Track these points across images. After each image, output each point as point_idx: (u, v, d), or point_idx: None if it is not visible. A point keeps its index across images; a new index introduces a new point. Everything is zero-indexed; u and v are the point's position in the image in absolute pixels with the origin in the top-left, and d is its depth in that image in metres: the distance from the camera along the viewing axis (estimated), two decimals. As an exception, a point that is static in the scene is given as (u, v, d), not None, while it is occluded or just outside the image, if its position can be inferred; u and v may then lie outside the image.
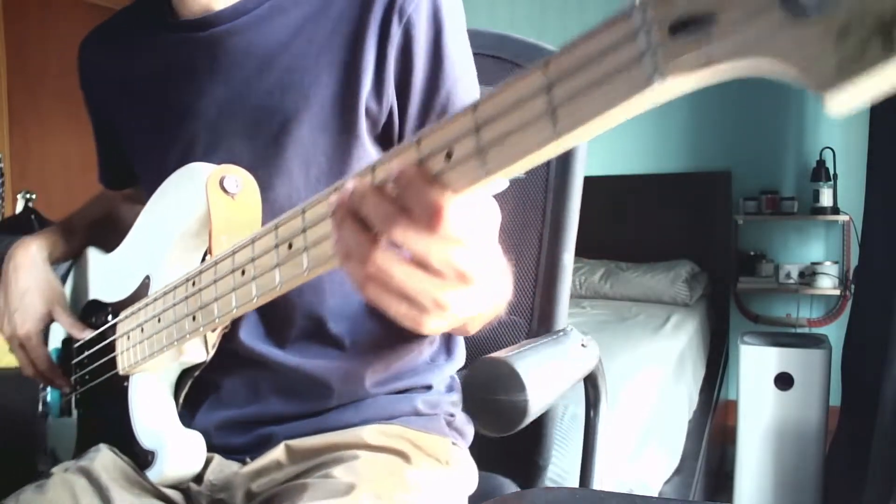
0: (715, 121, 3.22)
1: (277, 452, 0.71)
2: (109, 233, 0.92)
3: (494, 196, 0.54)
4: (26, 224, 2.28)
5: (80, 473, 0.70)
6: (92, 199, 0.99)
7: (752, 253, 3.15)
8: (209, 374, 0.74)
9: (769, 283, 3.06)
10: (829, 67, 0.25)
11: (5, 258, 0.85)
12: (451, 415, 0.79)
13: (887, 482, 1.81)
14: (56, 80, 3.56)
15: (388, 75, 0.68)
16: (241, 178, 0.67)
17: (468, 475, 0.79)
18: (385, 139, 0.73)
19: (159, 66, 0.76)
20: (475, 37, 0.97)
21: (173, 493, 0.72)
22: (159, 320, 0.69)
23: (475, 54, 0.75)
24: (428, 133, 0.40)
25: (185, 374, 0.74)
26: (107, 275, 0.84)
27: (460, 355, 0.84)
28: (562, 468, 1.35)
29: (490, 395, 0.61)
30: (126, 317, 0.76)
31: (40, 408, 0.93)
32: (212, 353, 0.71)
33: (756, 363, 2.45)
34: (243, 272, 0.57)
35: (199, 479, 0.72)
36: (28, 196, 2.60)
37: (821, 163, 2.94)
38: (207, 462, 0.73)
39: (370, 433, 0.71)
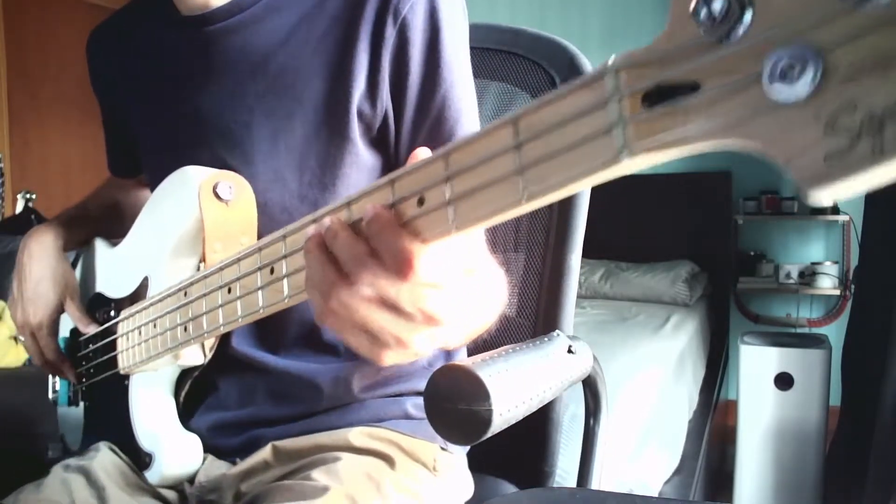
0: (715, 121, 3.21)
1: (265, 453, 0.71)
2: (121, 220, 0.92)
3: None
4: (26, 224, 2.28)
5: (78, 472, 0.71)
6: (104, 182, 0.99)
7: (752, 253, 3.15)
8: (208, 376, 0.74)
9: (769, 283, 3.05)
10: (815, 162, 0.23)
11: (20, 246, 0.85)
12: None
13: (887, 482, 1.80)
14: (56, 81, 3.56)
15: (381, 78, 0.67)
16: (234, 184, 0.66)
17: (459, 482, 0.77)
18: (381, 143, 0.71)
19: (159, 62, 0.76)
20: (489, 32, 0.94)
21: (169, 494, 0.72)
22: (155, 325, 0.69)
23: (488, 49, 0.72)
24: (402, 175, 0.39)
25: (184, 375, 0.74)
26: (111, 269, 0.85)
27: (461, 360, 0.83)
28: (562, 468, 1.35)
29: (451, 403, 0.57)
30: (126, 317, 0.76)
31: (50, 394, 0.94)
32: (209, 355, 0.71)
33: (756, 363, 2.45)
34: (230, 290, 0.56)
35: (192, 479, 0.73)
36: (28, 196, 2.60)
37: (821, 163, 2.94)
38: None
39: (356, 435, 0.70)
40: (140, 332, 0.72)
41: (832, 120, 0.22)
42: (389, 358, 0.43)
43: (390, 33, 0.66)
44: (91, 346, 0.84)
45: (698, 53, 0.26)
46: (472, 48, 0.73)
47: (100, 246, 0.89)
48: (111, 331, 0.79)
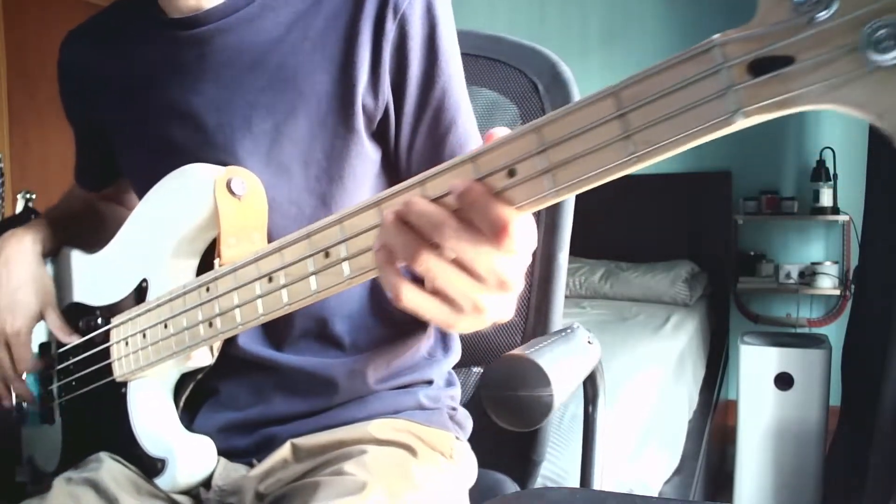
0: (715, 121, 3.21)
1: (284, 451, 0.71)
2: (90, 231, 0.89)
3: None
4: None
5: (85, 484, 0.68)
6: (68, 192, 0.96)
7: (751, 253, 3.15)
8: (208, 377, 0.73)
9: (769, 283, 3.06)
10: None
11: None
12: (453, 409, 0.80)
13: (887, 482, 1.80)
14: (56, 81, 3.56)
15: (383, 71, 0.69)
16: (246, 180, 0.67)
17: (469, 469, 0.79)
18: (380, 135, 0.72)
19: (146, 64, 0.75)
20: (470, 38, 0.96)
21: (183, 499, 0.71)
22: (166, 326, 0.68)
23: (470, 55, 0.76)
24: (485, 151, 0.43)
25: (185, 379, 0.73)
26: (93, 277, 0.81)
27: (456, 350, 0.84)
28: (562, 468, 1.35)
29: (512, 391, 0.63)
30: (121, 323, 0.74)
31: (14, 414, 0.88)
32: (216, 356, 0.71)
33: (756, 363, 2.45)
34: (270, 279, 0.58)
35: (207, 483, 0.71)
36: (28, 196, 2.59)
37: (821, 163, 2.94)
38: None
39: (377, 427, 0.71)
40: (145, 336, 0.71)
41: None
42: (463, 323, 0.46)
43: (391, 28, 0.68)
44: (72, 357, 0.81)
45: (790, 32, 0.32)
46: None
47: (74, 255, 0.85)
48: (98, 340, 0.77)
